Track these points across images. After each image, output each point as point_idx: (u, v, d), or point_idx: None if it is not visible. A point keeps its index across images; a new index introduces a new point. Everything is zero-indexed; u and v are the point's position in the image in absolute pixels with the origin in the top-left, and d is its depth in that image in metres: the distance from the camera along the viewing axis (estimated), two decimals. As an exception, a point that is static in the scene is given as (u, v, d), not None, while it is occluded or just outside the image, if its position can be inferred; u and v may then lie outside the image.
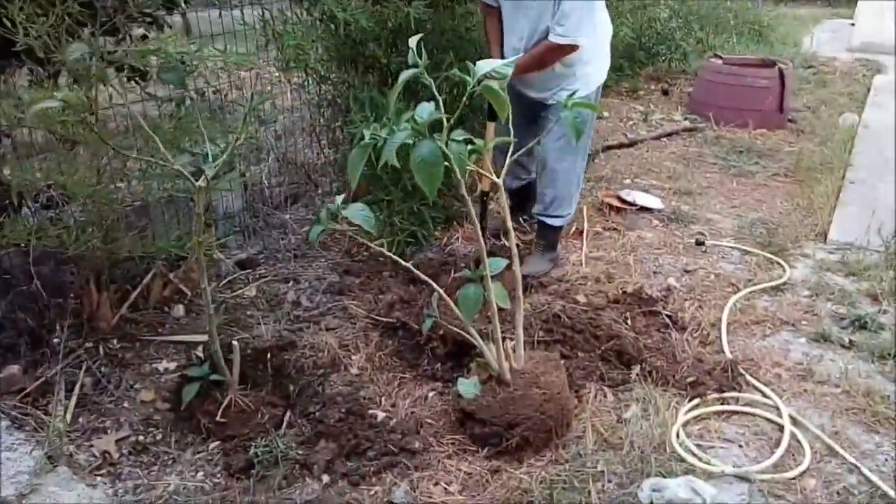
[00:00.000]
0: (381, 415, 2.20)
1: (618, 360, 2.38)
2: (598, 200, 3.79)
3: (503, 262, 1.97)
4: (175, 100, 2.75)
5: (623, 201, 3.74)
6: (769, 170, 4.44)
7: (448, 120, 1.64)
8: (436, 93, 1.62)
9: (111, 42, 2.24)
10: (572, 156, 2.87)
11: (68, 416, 2.21)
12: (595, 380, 2.31)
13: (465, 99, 1.57)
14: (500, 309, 1.97)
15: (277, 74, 3.41)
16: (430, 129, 1.56)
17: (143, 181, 2.40)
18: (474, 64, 1.90)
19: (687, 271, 3.05)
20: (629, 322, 2.56)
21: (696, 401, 2.22)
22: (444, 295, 1.97)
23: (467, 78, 1.56)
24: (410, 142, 1.53)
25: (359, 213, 1.75)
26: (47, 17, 1.97)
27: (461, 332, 2.04)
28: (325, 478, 1.95)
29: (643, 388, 2.27)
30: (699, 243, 3.30)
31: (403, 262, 2.01)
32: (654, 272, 3.05)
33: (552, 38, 2.54)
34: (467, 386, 2.03)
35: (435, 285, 1.97)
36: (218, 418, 2.25)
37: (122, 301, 2.66)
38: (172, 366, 2.50)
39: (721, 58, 5.72)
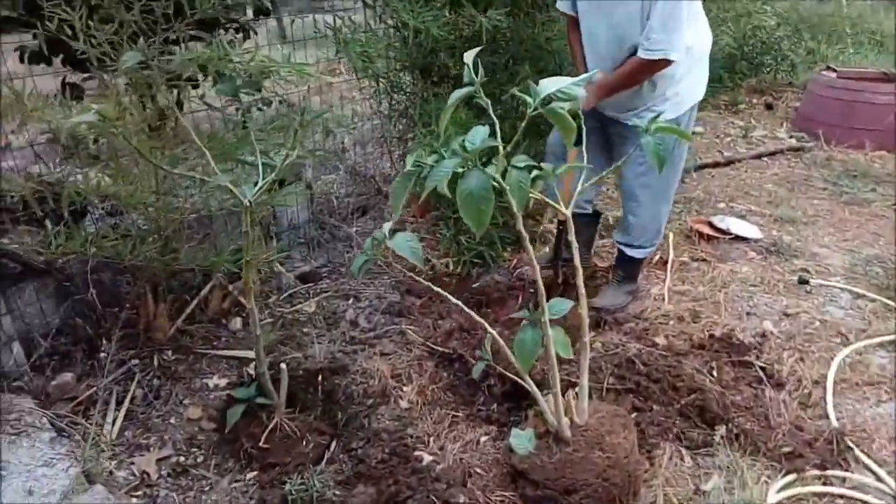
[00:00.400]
0: (427, 458, 2.02)
1: (699, 418, 2.10)
2: (686, 226, 3.46)
3: (567, 305, 1.75)
4: (242, 108, 2.70)
5: (715, 229, 3.39)
6: (888, 198, 3.94)
7: (506, 145, 1.45)
8: (492, 115, 1.42)
9: (176, 50, 2.17)
10: (659, 184, 2.57)
11: (115, 430, 2.18)
12: (671, 439, 2.04)
13: (523, 124, 1.36)
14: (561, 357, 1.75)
15: (357, 83, 3.30)
16: (484, 157, 1.37)
17: (202, 193, 2.34)
18: (554, 75, 1.70)
19: (787, 315, 2.69)
20: (715, 373, 2.26)
21: (791, 476, 1.90)
22: (498, 338, 1.77)
23: (528, 99, 1.35)
24: (460, 171, 1.34)
25: (405, 244, 1.58)
26: (109, 24, 1.92)
27: (517, 378, 1.82)
28: (361, 527, 1.79)
29: (728, 454, 1.98)
30: (803, 282, 2.92)
31: (453, 299, 1.81)
32: (748, 314, 2.72)
33: (641, 54, 2.24)
34: (521, 440, 1.81)
35: (488, 327, 1.77)
36: (261, 443, 2.16)
37: (179, 312, 2.62)
38: (223, 382, 2.43)
39: (835, 70, 5.19)
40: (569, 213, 1.74)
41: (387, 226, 1.73)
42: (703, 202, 3.91)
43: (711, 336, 2.50)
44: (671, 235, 3.29)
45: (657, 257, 3.14)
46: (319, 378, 2.45)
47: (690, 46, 2.34)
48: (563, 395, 1.91)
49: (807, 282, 2.92)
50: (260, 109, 2.86)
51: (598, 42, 2.41)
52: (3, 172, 2.40)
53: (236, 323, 2.73)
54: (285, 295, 2.97)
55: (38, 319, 2.31)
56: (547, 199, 1.74)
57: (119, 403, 2.28)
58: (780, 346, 2.49)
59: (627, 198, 2.65)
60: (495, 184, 1.42)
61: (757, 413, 2.12)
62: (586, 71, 2.51)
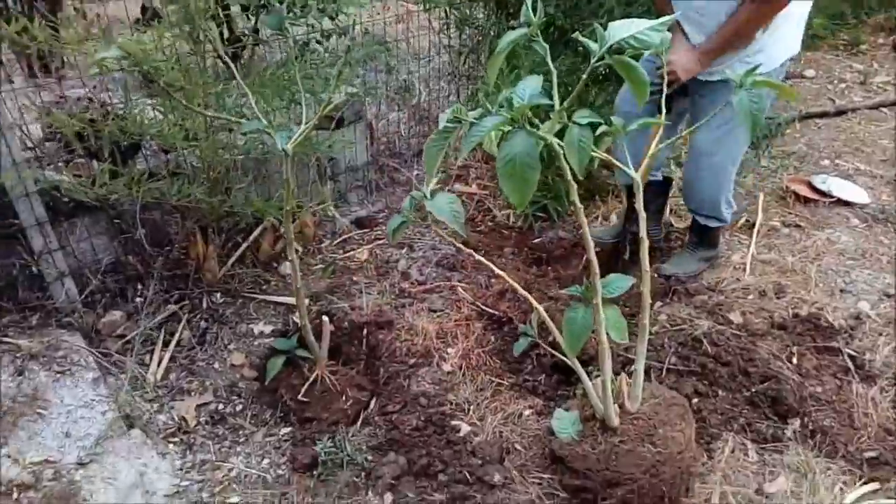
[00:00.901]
0: (465, 428, 1.92)
1: (771, 409, 1.88)
2: (781, 185, 3.10)
3: (627, 282, 1.55)
4: (298, 41, 2.56)
5: (815, 190, 3.01)
6: None
7: (563, 100, 1.23)
8: (550, 63, 1.21)
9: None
10: (732, 146, 2.25)
11: (159, 372, 2.19)
12: (736, 430, 1.84)
13: (584, 76, 1.15)
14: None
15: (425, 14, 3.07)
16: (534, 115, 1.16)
17: (250, 135, 2.24)
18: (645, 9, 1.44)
19: (888, 295, 2.36)
20: (795, 359, 2.01)
21: (872, 485, 1.67)
22: (545, 315, 1.60)
23: (591, 45, 1.13)
24: (505, 129, 1.15)
25: (447, 207, 1.42)
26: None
27: (564, 358, 1.66)
28: (388, 497, 1.72)
29: (800, 452, 1.76)
30: (912, 257, 2.56)
31: (496, 269, 1.64)
32: (842, 290, 2.40)
33: None
34: (564, 423, 1.67)
35: (535, 303, 1.60)
36: (300, 396, 2.12)
37: (230, 254, 2.59)
38: (268, 329, 2.40)
39: (985, 6, 4.44)
40: (639, 177, 1.52)
41: (428, 184, 1.57)
42: (804, 158, 3.49)
43: (796, 315, 2.22)
44: (762, 196, 2.95)
45: (743, 220, 2.83)
46: (364, 331, 2.38)
47: None
48: (615, 377, 1.74)
49: (918, 258, 2.55)
50: (319, 42, 2.71)
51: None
52: (69, 102, 2.39)
53: (287, 267, 2.68)
54: (339, 240, 2.89)
55: (89, 255, 2.32)
56: (615, 161, 1.52)
57: (166, 344, 2.29)
58: (876, 331, 2.19)
59: (696, 163, 2.34)
60: (549, 145, 1.23)
61: (839, 409, 1.87)
62: (679, 33, 2.17)
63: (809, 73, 4.68)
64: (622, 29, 1.08)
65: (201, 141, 2.19)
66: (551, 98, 1.20)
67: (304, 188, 2.85)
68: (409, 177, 3.24)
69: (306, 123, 1.80)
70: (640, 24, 1.07)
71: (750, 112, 1.27)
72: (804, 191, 3.00)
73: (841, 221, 2.84)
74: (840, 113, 4.06)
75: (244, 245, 2.59)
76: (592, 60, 1.12)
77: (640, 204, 1.54)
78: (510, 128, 1.13)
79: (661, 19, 1.08)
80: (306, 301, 2.51)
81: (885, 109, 4.11)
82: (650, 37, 1.07)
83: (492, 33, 2.79)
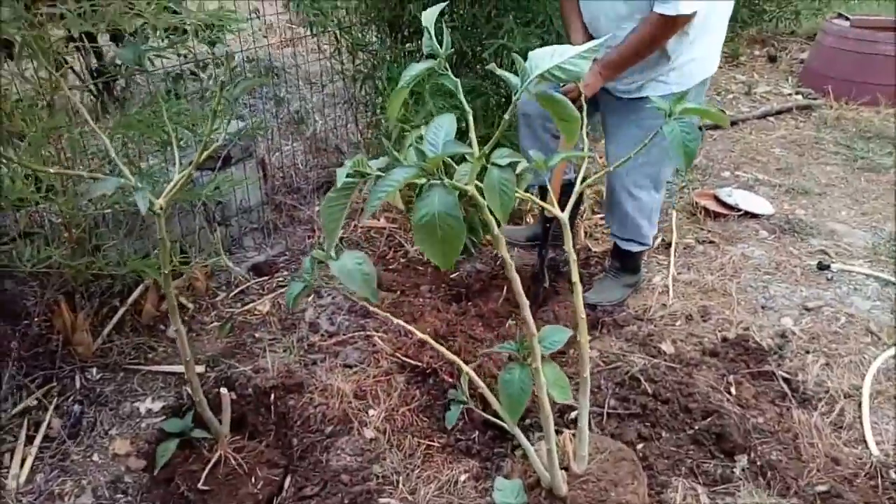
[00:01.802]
0: (396, 506, 1.69)
1: (716, 447, 1.78)
2: (689, 201, 3.10)
3: (564, 335, 1.39)
4: (169, 75, 2.26)
5: (723, 204, 3.03)
6: (908, 164, 3.59)
7: (486, 140, 1.06)
8: (464, 102, 1.03)
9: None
10: (661, 172, 2.19)
11: (23, 475, 1.82)
12: (685, 474, 1.72)
13: (506, 116, 0.97)
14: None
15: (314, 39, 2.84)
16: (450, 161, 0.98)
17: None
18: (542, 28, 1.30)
19: (808, 309, 2.36)
20: (733, 389, 1.93)
21: (827, 522, 1.60)
22: (478, 379, 1.41)
23: (511, 79, 0.96)
24: (419, 182, 0.95)
25: (356, 269, 1.20)
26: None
27: (501, 422, 1.47)
28: None
29: (752, 493, 1.66)
30: (823, 267, 2.59)
31: (418, 333, 1.44)
32: (764, 307, 2.38)
33: (658, 9, 1.82)
34: (506, 493, 1.48)
35: (464, 365, 1.41)
36: (201, 484, 1.82)
37: (106, 320, 2.24)
38: (158, 406, 2.07)
39: (847, 18, 4.76)
40: (565, 216, 1.36)
41: (330, 242, 1.34)
42: (705, 170, 3.54)
43: (725, 340, 2.16)
44: (674, 213, 2.93)
45: (658, 240, 2.78)
46: (272, 397, 2.11)
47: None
48: (557, 433, 1.58)
49: (827, 267, 2.59)
50: (194, 73, 2.42)
51: (600, 13, 2.00)
52: None
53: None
54: (236, 292, 2.59)
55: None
56: (539, 202, 1.36)
57: (30, 439, 1.92)
58: (803, 348, 2.16)
59: (620, 188, 2.25)
60: (469, 193, 1.05)
61: (784, 439, 1.80)
62: (582, 38, 2.09)
63: (699, 85, 4.83)
64: (544, 58, 0.92)
65: (57, 194, 1.86)
66: (466, 140, 1.03)
67: (190, 237, 2.53)
68: (311, 214, 2.98)
69: (180, 171, 1.53)
70: (565, 52, 0.91)
71: (683, 143, 1.14)
72: (713, 205, 3.01)
73: (751, 235, 2.86)
74: (732, 123, 4.18)
75: (122, 309, 2.25)
76: (514, 96, 0.95)
77: (569, 244, 1.39)
78: (424, 181, 0.93)
79: (588, 44, 0.92)
80: (201, 368, 2.22)
81: (771, 118, 4.28)
82: (577, 65, 0.91)
83: (387, 58, 2.60)
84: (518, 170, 1.33)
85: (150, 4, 1.34)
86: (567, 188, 2.55)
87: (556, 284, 2.58)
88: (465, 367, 1.41)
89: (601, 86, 2.03)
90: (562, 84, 1.83)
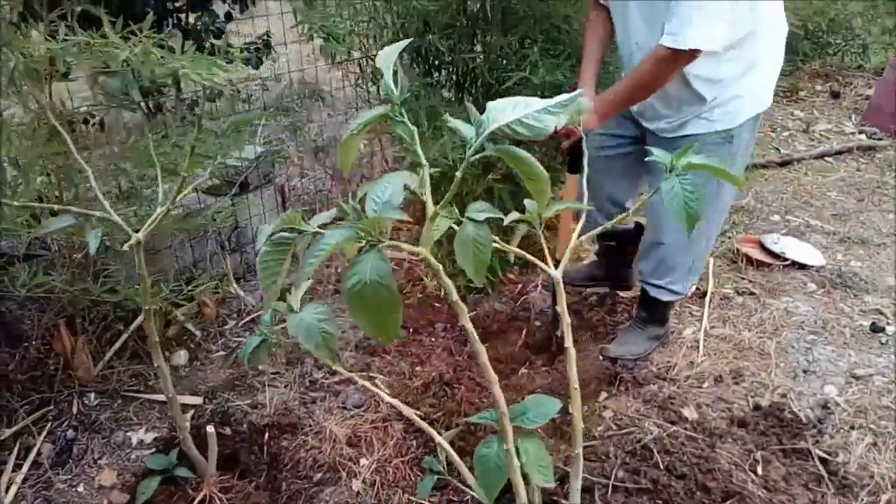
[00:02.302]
0: (374, 574, 1.56)
1: (736, 534, 1.58)
2: (731, 247, 2.88)
3: (553, 408, 1.24)
4: (184, 102, 2.24)
5: (768, 252, 2.81)
6: (983, 214, 3.28)
7: (441, 199, 0.94)
8: (420, 154, 0.91)
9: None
10: (703, 216, 2.01)
11: (7, 500, 1.78)
12: (697, 564, 1.54)
13: (458, 174, 0.86)
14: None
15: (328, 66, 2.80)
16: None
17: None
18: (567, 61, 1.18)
19: (855, 377, 2.13)
20: (760, 468, 1.73)
21: None
22: (453, 452, 1.28)
23: (464, 131, 0.85)
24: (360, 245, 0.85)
25: (314, 326, 1.10)
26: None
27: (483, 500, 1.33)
28: None
29: None
30: (876, 329, 2.35)
31: (394, 402, 1.33)
32: (806, 371, 2.16)
33: (663, 41, 1.66)
34: (487, 578, 1.33)
35: (439, 437, 1.29)
36: (179, 527, 1.74)
37: (109, 344, 2.21)
38: (150, 438, 2.02)
39: (919, 54, 4.44)
40: (558, 274, 1.23)
41: (296, 295, 1.25)
42: (752, 213, 3.31)
43: (757, 408, 1.96)
44: (711, 260, 2.73)
45: (693, 288, 2.58)
46: (266, 436, 2.02)
47: (754, 32, 1.77)
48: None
49: (882, 329, 2.34)
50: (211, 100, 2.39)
51: (630, 35, 1.86)
52: None
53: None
54: (245, 320, 2.53)
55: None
56: (531, 258, 1.24)
57: (20, 462, 1.88)
58: (847, 423, 1.94)
59: (656, 228, 2.10)
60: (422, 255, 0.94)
61: (815, 532, 1.59)
62: (592, 71, 1.96)
63: (753, 121, 4.59)
64: (505, 110, 0.80)
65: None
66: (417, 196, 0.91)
67: (203, 263, 2.49)
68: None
69: (164, 204, 1.47)
70: (531, 105, 0.79)
71: (684, 204, 1.00)
72: (756, 253, 2.79)
73: (797, 287, 2.63)
74: (786, 163, 3.93)
75: (125, 335, 2.21)
76: (468, 152, 0.83)
77: (562, 305, 1.25)
78: (362, 243, 0.83)
79: (559, 98, 0.80)
80: (199, 399, 2.16)
81: (829, 159, 4.01)
82: (542, 121, 0.78)
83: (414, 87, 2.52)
84: (507, 220, 1.22)
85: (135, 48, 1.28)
86: (602, 238, 2.42)
87: (576, 333, 2.42)
88: (438, 438, 1.29)
89: (601, 121, 1.88)
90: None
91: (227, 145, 1.71)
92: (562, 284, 1.25)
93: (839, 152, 4.05)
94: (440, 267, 0.97)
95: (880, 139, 4.25)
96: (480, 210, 1.04)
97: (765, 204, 3.42)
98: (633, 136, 2.11)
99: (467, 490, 1.55)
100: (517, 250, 1.25)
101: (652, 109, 1.93)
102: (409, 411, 1.38)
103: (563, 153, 2.10)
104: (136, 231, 1.41)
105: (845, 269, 2.75)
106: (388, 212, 0.83)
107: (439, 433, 1.95)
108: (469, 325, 1.05)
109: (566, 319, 1.27)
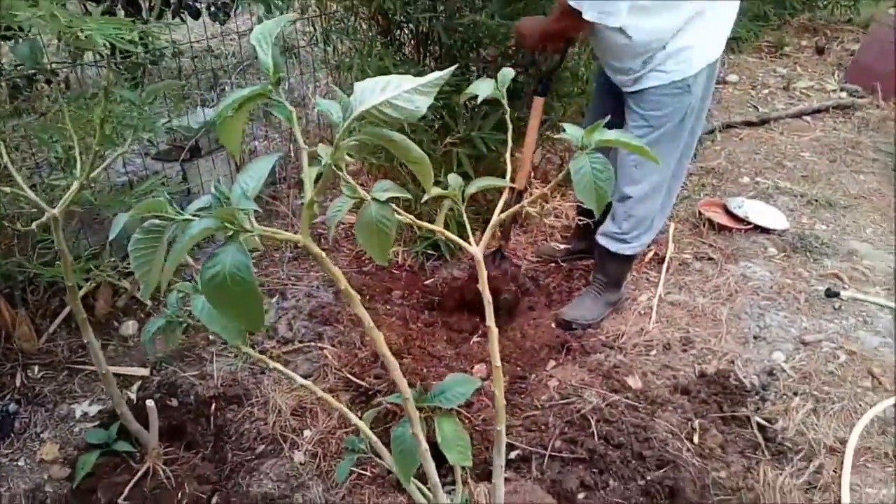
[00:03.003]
0: (309, 544, 1.58)
1: (669, 502, 1.59)
2: (694, 210, 2.85)
3: (469, 387, 1.22)
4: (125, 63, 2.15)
5: (731, 216, 2.78)
6: (954, 175, 3.24)
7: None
8: (299, 137, 0.87)
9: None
10: (660, 168, 2.00)
11: (-55, 475, 1.78)
12: (627, 531, 1.55)
13: (328, 160, 0.81)
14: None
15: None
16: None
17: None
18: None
19: (804, 342, 2.12)
20: (696, 436, 1.73)
21: None
22: (372, 435, 1.27)
23: (333, 114, 0.80)
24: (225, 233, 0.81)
25: (214, 314, 1.07)
26: None
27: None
28: None
29: (699, 561, 1.48)
30: (831, 294, 2.33)
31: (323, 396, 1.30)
32: (756, 338, 2.16)
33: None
34: (410, 551, 1.34)
35: (356, 419, 1.27)
36: (122, 499, 1.75)
37: (55, 315, 2.18)
38: (94, 410, 2.01)
39: (905, 8, 4.33)
40: (479, 252, 1.19)
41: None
42: (722, 175, 3.26)
43: (703, 375, 1.96)
44: (672, 225, 2.70)
45: (651, 253, 2.56)
46: (213, 407, 2.02)
47: None
48: (476, 484, 1.43)
49: (836, 294, 2.33)
50: (154, 63, 2.31)
51: None
52: None
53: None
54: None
55: None
56: (451, 236, 1.20)
57: (-39, 436, 1.88)
58: (791, 389, 1.94)
59: (619, 179, 2.08)
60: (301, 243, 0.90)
61: (745, 499, 1.60)
62: None
63: (732, 77, 4.50)
64: (373, 91, 0.75)
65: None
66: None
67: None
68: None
69: (80, 177, 1.42)
70: (399, 84, 0.74)
71: (593, 184, 0.96)
72: (719, 217, 2.76)
73: (757, 252, 2.61)
74: (763, 122, 3.88)
75: (69, 306, 2.18)
76: (336, 137, 0.78)
77: (483, 284, 1.22)
78: (227, 232, 0.79)
79: (430, 76, 0.75)
80: (146, 371, 2.14)
81: (807, 118, 3.95)
82: (413, 102, 0.74)
83: (369, 48, 2.44)
84: (424, 198, 1.18)
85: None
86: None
87: (531, 298, 2.41)
88: (356, 420, 1.27)
89: (531, 45, 2.05)
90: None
91: (153, 113, 1.64)
92: (482, 263, 1.21)
93: (817, 111, 3.99)
94: (322, 254, 0.93)
95: (861, 97, 4.18)
96: (384, 189, 1.00)
97: (736, 165, 3.38)
98: (611, 105, 2.08)
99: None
100: (437, 228, 1.21)
101: (606, 62, 1.92)
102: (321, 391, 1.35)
103: (536, 73, 2.26)
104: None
105: (808, 232, 2.72)
106: (243, 202, 0.79)
107: (381, 404, 1.96)
108: (362, 312, 1.02)
109: (487, 298, 1.24)
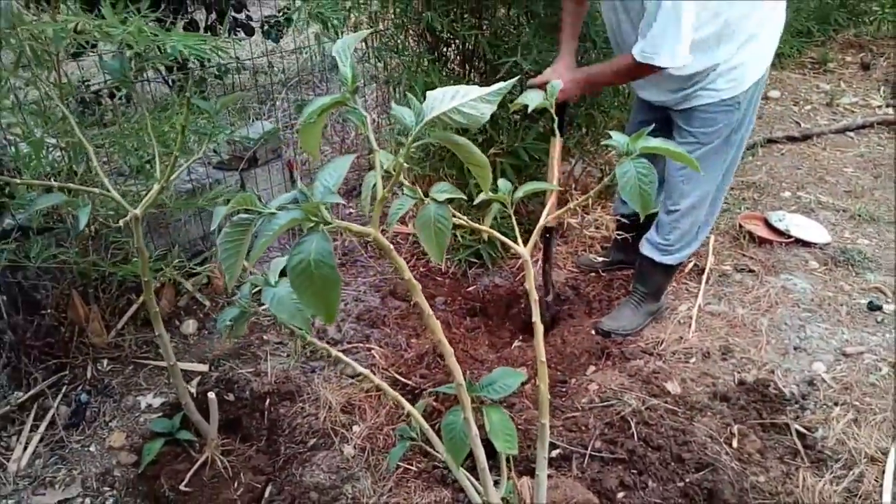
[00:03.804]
0: (359, 532, 1.66)
1: (707, 504, 1.63)
2: (734, 223, 2.87)
3: (516, 380, 1.30)
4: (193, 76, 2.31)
5: (772, 229, 2.80)
6: None
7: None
8: (372, 141, 0.97)
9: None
10: (707, 182, 2.07)
11: (24, 458, 1.92)
12: (665, 531, 1.59)
13: (401, 158, 0.91)
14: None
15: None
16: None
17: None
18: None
19: (846, 355, 2.14)
20: (736, 441, 1.77)
21: None
22: (424, 422, 1.35)
23: (406, 118, 0.90)
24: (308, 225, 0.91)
25: (289, 301, 1.17)
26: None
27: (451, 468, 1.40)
28: None
29: (737, 561, 1.52)
30: (873, 307, 2.34)
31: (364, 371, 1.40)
32: (796, 349, 2.18)
33: (635, 51, 1.83)
34: (457, 537, 1.41)
35: (409, 406, 1.36)
36: (184, 485, 1.86)
37: (123, 312, 2.33)
38: (158, 402, 2.14)
39: (953, 24, 4.28)
40: (527, 254, 1.28)
41: (276, 263, 1.33)
42: (763, 189, 3.28)
43: (742, 383, 1.99)
44: (712, 237, 2.73)
45: (691, 264, 2.60)
46: (267, 402, 2.13)
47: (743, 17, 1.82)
48: (519, 477, 1.50)
49: (879, 307, 2.33)
50: (219, 77, 2.46)
51: (612, 27, 2.03)
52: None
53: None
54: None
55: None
56: (500, 237, 1.28)
57: (37, 423, 2.02)
58: (831, 399, 1.96)
59: (667, 192, 2.15)
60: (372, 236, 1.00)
61: (785, 503, 1.63)
62: (571, 42, 2.05)
63: (774, 93, 4.50)
64: (443, 99, 0.85)
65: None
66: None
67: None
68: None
69: (160, 180, 1.55)
70: (467, 94, 0.83)
71: (639, 188, 1.03)
72: (760, 230, 2.78)
73: (798, 265, 2.62)
74: (805, 138, 3.87)
75: (136, 303, 2.33)
76: (408, 140, 0.88)
77: (530, 283, 1.30)
78: (309, 223, 0.89)
79: (494, 87, 0.84)
80: (205, 367, 2.27)
81: (851, 133, 3.92)
82: (478, 109, 0.83)
83: (417, 64, 2.56)
84: (477, 200, 1.27)
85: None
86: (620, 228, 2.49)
87: (572, 306, 2.47)
88: (408, 406, 1.36)
89: (577, 96, 2.07)
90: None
91: (219, 124, 1.77)
92: (530, 263, 1.30)
93: (861, 126, 3.96)
94: (391, 247, 1.03)
95: (907, 113, 4.13)
96: (443, 190, 1.09)
97: (777, 180, 3.38)
98: (653, 119, 2.14)
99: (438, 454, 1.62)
100: (487, 229, 1.30)
101: (657, 82, 1.98)
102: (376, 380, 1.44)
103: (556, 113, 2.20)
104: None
105: (851, 246, 2.73)
106: (328, 196, 0.89)
107: (433, 398, 2.05)
108: (422, 301, 1.11)
109: (533, 296, 1.32)
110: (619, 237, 2.55)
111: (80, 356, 2.22)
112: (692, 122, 2.01)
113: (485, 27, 2.49)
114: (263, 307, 1.84)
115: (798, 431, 1.82)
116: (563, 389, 2.03)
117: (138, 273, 2.07)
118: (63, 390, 2.12)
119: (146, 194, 1.94)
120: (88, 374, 2.19)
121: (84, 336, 2.22)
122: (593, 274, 2.63)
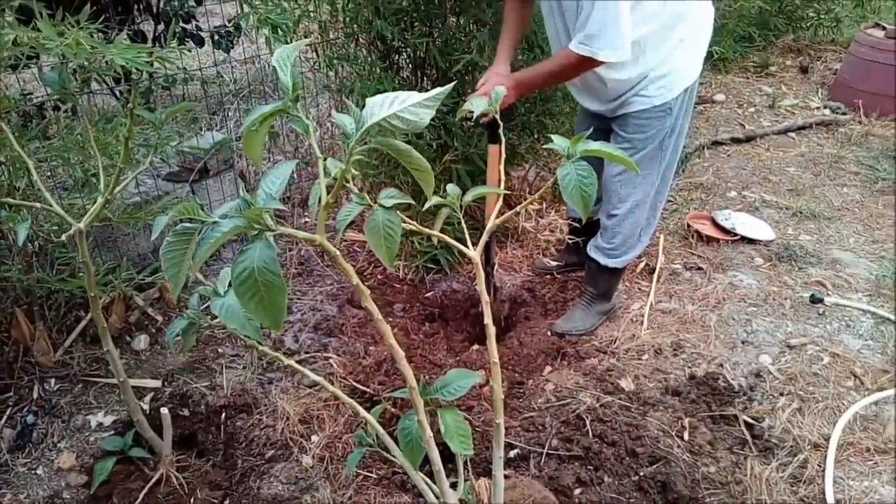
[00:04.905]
0: (318, 542, 1.65)
1: (661, 496, 1.67)
2: (683, 223, 2.96)
3: (469, 381, 1.31)
4: (138, 87, 2.27)
5: (719, 228, 2.88)
6: (934, 187, 3.36)
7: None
8: (315, 147, 0.97)
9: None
10: (644, 186, 2.11)
11: (-34, 484, 1.85)
12: (621, 524, 1.63)
13: (343, 166, 0.91)
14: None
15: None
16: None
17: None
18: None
19: (790, 347, 2.22)
20: (687, 434, 1.81)
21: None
22: (380, 428, 1.36)
23: (346, 125, 0.91)
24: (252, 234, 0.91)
25: (234, 308, 1.16)
26: None
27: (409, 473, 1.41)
28: None
29: (690, 551, 1.56)
30: (815, 300, 2.43)
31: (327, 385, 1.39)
32: (743, 342, 2.25)
33: (571, 46, 1.83)
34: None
35: (365, 413, 1.36)
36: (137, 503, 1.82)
37: (70, 329, 2.27)
38: (108, 420, 2.08)
39: (884, 28, 4.49)
40: (476, 255, 1.29)
41: (224, 273, 1.31)
42: (710, 189, 3.38)
43: (692, 377, 2.04)
44: (661, 237, 2.80)
45: (642, 264, 2.66)
46: (223, 416, 2.10)
47: (673, 23, 1.86)
48: (476, 478, 1.51)
49: (821, 300, 2.43)
50: (166, 87, 2.42)
51: (550, 29, 2.04)
52: None
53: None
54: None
55: None
56: (452, 242, 1.29)
57: (-19, 447, 1.95)
58: (777, 390, 2.03)
59: (607, 198, 2.19)
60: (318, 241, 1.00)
61: (734, 492, 1.68)
62: (509, 49, 2.06)
63: (719, 97, 4.64)
64: (382, 105, 0.86)
65: None
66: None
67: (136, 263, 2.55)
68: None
69: (105, 193, 1.52)
70: (406, 99, 0.85)
71: (579, 189, 1.06)
72: (707, 229, 2.86)
73: (744, 262, 2.71)
74: (749, 139, 4.00)
75: (84, 320, 2.27)
76: (349, 144, 0.89)
77: (481, 285, 1.32)
78: (253, 232, 0.89)
79: (432, 92, 0.86)
80: (158, 383, 2.22)
81: (792, 134, 4.08)
82: (417, 114, 0.85)
83: (367, 71, 2.56)
84: (427, 205, 1.28)
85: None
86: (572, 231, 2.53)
87: (528, 309, 2.51)
88: (365, 413, 1.36)
89: (514, 100, 2.05)
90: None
91: (167, 135, 1.75)
92: (480, 265, 1.31)
93: (802, 127, 4.12)
94: (337, 252, 1.03)
95: (844, 114, 4.31)
96: (391, 196, 1.10)
97: (723, 180, 3.49)
98: (596, 128, 2.18)
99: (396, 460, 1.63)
100: (436, 233, 1.31)
101: (594, 91, 2.02)
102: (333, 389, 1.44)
103: (484, 125, 2.16)
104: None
105: (793, 242, 2.83)
106: (270, 203, 0.89)
107: (390, 404, 2.04)
108: (371, 305, 1.11)
109: (485, 298, 1.34)
110: (570, 241, 2.60)
111: (25, 376, 2.15)
112: (627, 127, 2.05)
113: (436, 35, 2.51)
114: (216, 319, 1.82)
115: (746, 422, 1.88)
116: (521, 390, 2.06)
117: (83, 288, 2.03)
118: (7, 412, 2.05)
119: (92, 208, 1.90)
120: (35, 395, 2.12)
121: (30, 355, 2.16)
122: (548, 276, 2.67)
